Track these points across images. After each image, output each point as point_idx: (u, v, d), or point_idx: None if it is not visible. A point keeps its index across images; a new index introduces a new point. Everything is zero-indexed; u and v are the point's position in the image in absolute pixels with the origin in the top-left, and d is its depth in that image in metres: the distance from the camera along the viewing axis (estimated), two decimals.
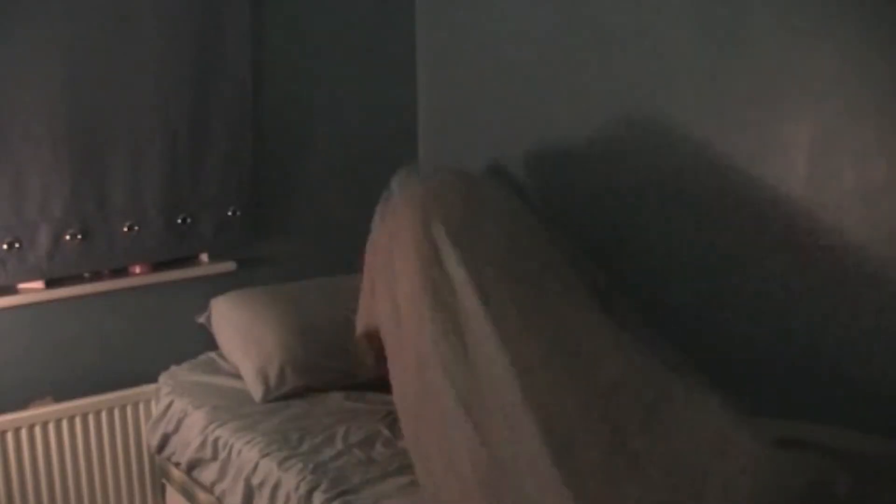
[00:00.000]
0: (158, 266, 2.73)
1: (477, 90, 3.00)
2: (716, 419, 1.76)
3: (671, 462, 1.68)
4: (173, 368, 2.68)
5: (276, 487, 2.03)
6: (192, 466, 2.38)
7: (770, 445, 1.71)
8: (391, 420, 2.26)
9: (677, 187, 2.43)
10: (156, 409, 2.58)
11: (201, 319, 2.74)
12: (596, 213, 2.67)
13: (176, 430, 2.46)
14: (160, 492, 2.68)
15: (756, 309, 2.29)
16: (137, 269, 2.68)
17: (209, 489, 2.31)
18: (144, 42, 2.52)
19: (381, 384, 2.28)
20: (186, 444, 2.39)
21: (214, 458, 2.28)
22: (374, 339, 2.25)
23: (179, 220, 2.67)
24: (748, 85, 2.22)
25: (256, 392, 2.45)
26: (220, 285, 2.76)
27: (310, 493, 1.95)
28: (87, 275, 2.62)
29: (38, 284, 2.53)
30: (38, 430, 2.51)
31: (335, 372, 2.52)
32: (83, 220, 2.51)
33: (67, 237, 2.49)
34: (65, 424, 2.55)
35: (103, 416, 2.61)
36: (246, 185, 2.79)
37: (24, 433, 2.49)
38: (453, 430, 1.84)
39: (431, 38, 3.16)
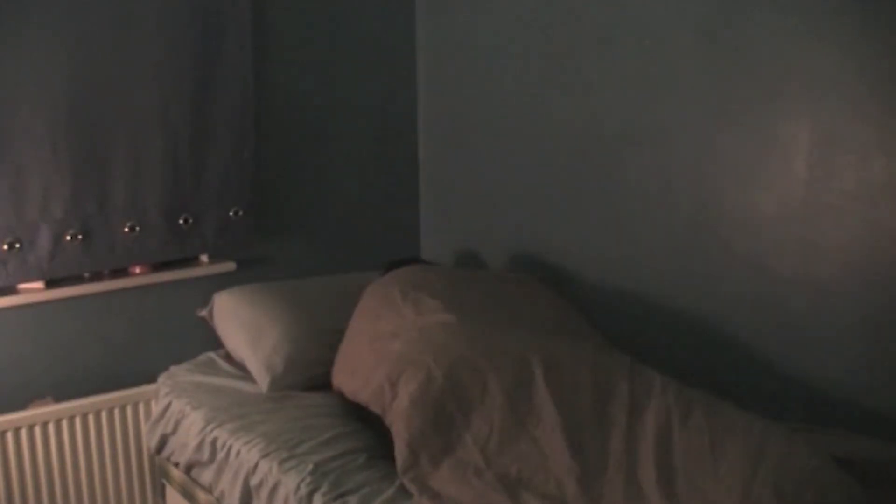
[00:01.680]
0: (158, 266, 2.73)
1: (477, 90, 3.01)
2: (771, 433, 1.75)
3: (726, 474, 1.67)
4: (172, 369, 2.68)
5: (274, 488, 2.02)
6: (191, 467, 2.38)
7: (828, 460, 1.69)
8: None
9: (675, 187, 2.43)
10: (155, 410, 2.59)
11: (203, 313, 2.74)
12: (595, 210, 2.68)
13: (174, 430, 2.46)
14: (160, 492, 2.68)
15: (756, 310, 2.29)
16: (137, 270, 2.68)
17: (208, 489, 2.31)
18: (146, 42, 2.52)
19: None
20: (185, 445, 2.39)
21: (212, 459, 2.27)
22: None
23: (181, 221, 2.67)
24: (748, 85, 2.22)
25: (263, 381, 2.45)
26: (219, 285, 2.76)
27: (310, 494, 1.93)
28: (86, 275, 2.61)
29: (39, 284, 2.53)
30: (38, 430, 2.51)
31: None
32: (84, 221, 2.51)
33: (68, 238, 2.49)
34: (65, 424, 2.55)
35: (103, 416, 2.61)
36: (247, 185, 2.78)
37: (24, 433, 2.49)
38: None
39: (431, 37, 3.16)
